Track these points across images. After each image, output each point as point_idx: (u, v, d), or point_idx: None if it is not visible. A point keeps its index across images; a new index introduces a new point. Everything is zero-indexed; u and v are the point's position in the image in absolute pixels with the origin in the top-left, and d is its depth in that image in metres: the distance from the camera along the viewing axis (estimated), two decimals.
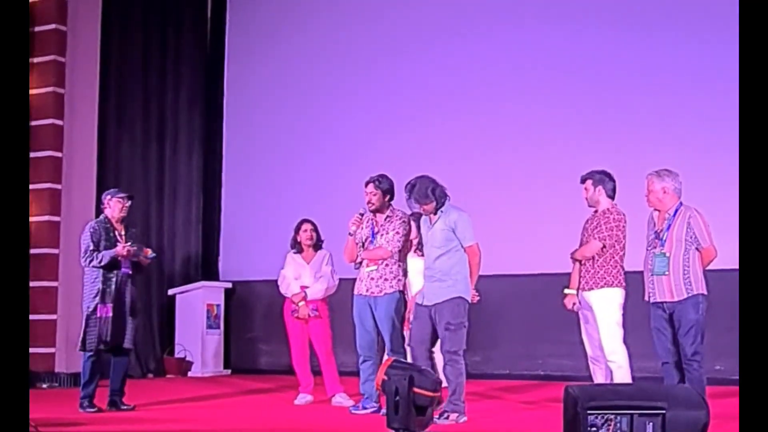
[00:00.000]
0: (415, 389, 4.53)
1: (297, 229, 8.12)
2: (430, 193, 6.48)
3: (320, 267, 8.04)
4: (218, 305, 11.73)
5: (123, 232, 7.56)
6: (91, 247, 7.37)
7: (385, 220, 7.14)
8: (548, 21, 10.47)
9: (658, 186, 6.28)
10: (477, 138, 10.65)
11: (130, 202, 7.68)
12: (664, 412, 4.16)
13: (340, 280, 8.06)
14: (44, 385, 9.72)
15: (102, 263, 7.31)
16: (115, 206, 7.55)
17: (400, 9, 11.43)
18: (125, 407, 7.43)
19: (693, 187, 6.76)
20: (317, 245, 8.11)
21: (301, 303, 7.94)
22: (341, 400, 7.78)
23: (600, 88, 10.13)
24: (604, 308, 6.55)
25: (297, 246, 8.11)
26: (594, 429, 4.14)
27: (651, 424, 4.15)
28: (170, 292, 11.68)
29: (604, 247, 6.58)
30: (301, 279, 8.04)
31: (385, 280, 7.03)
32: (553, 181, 9.68)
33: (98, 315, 7.29)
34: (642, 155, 8.99)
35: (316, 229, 8.11)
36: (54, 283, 10.54)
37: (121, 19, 11.53)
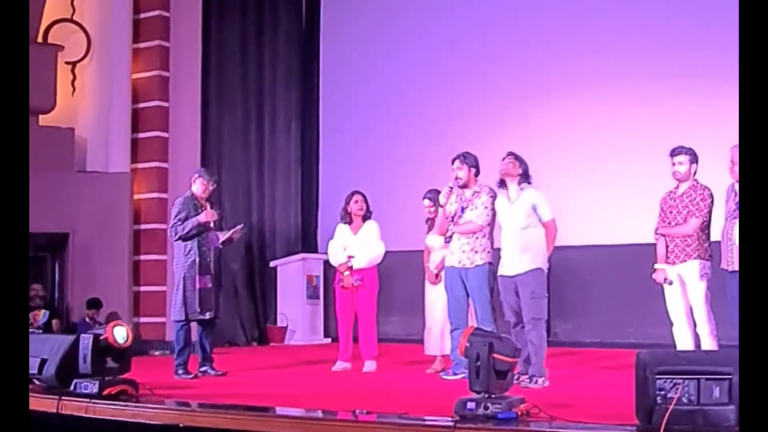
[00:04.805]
0: (495, 355, 4.74)
1: (348, 200, 8.28)
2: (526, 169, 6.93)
3: (366, 237, 8.18)
4: (318, 276, 12.03)
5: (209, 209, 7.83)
6: (176, 220, 7.68)
7: (473, 194, 7.27)
8: None
9: None
10: (565, 113, 10.80)
11: (214, 186, 7.96)
12: (730, 377, 4.24)
13: (387, 251, 8.24)
14: (156, 353, 10.08)
15: (186, 231, 7.59)
16: (199, 185, 7.83)
17: None
18: (216, 372, 7.69)
19: None
20: (366, 216, 8.27)
21: (346, 273, 8.13)
22: (369, 366, 8.04)
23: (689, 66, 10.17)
24: (695, 279, 6.60)
25: (347, 216, 8.28)
26: (663, 392, 4.25)
27: (718, 388, 4.26)
28: (272, 264, 12.05)
29: (703, 223, 6.62)
30: (348, 249, 8.19)
31: (476, 252, 7.18)
32: (639, 154, 9.81)
33: (198, 286, 7.58)
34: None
35: (366, 200, 8.27)
36: (163, 257, 11.07)
37: (220, 3, 11.94)
